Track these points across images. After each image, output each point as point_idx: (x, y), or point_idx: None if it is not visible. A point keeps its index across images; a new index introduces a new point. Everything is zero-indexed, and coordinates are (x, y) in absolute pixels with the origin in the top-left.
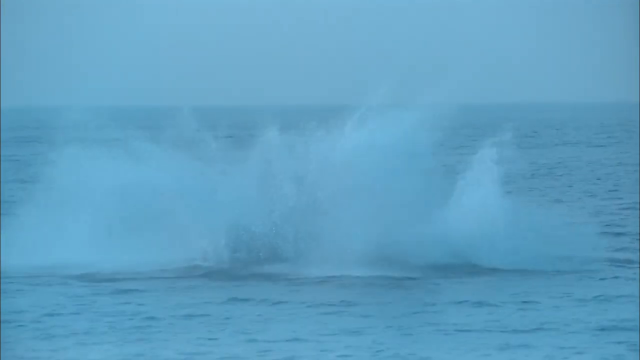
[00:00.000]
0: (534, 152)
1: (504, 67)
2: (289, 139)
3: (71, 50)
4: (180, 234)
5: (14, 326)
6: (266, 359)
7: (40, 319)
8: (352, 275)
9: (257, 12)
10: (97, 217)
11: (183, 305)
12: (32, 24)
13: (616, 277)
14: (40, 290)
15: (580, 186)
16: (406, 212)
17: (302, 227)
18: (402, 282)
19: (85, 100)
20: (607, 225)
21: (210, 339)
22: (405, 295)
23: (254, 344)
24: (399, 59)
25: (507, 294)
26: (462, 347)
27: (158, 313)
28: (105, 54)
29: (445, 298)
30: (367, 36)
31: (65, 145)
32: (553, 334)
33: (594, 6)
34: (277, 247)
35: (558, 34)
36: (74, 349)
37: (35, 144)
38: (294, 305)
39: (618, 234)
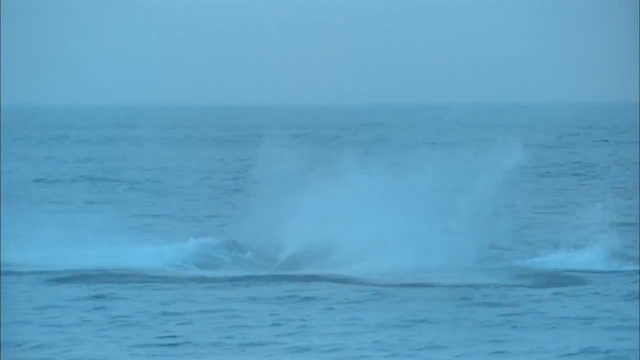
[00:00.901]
0: (564, 151)
1: (504, 68)
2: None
3: (71, 50)
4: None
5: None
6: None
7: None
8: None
9: (267, 12)
10: None
11: (218, 300)
12: (32, 24)
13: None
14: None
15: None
16: None
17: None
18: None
19: (84, 100)
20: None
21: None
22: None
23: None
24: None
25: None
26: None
27: (181, 310)
28: (114, 54)
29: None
30: (367, 37)
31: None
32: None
33: (593, 6)
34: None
35: (558, 35)
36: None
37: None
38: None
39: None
